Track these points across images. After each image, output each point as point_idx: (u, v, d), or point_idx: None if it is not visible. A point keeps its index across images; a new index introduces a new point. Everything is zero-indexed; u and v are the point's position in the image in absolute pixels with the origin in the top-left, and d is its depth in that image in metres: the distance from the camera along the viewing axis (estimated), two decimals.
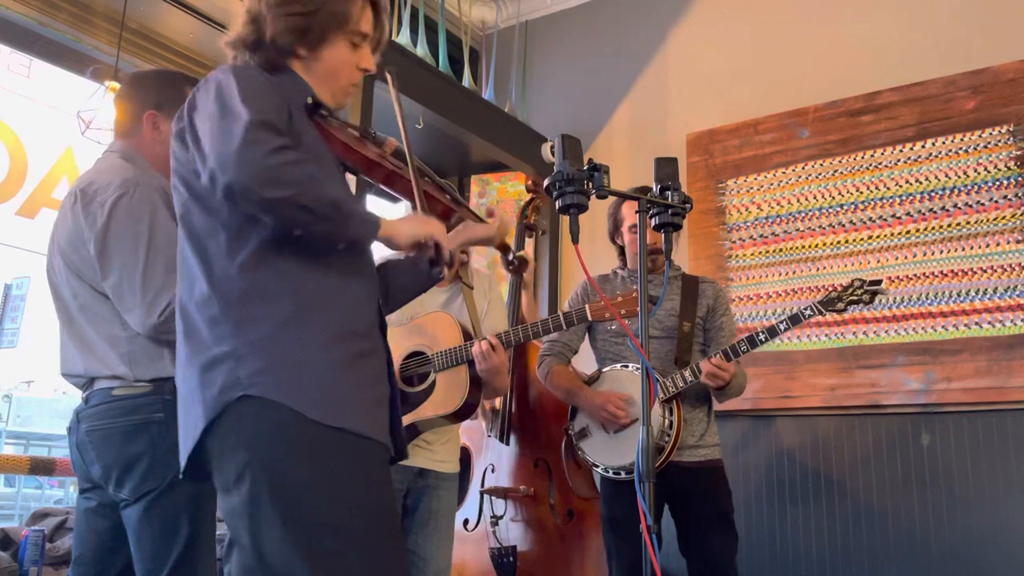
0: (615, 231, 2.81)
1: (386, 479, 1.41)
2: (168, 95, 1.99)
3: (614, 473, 2.55)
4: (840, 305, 2.47)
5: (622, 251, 2.83)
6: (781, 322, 2.47)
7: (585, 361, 2.89)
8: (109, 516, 1.89)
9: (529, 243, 2.74)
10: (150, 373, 1.84)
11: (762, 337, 2.46)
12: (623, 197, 2.15)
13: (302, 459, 1.30)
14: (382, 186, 1.61)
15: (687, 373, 2.51)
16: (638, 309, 1.81)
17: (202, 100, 1.39)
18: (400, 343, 2.38)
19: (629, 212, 2.73)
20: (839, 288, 2.50)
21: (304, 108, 1.51)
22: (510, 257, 2.01)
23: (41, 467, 3.15)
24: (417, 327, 2.43)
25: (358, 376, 1.40)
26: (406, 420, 2.31)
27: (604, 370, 2.68)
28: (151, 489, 1.80)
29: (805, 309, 2.47)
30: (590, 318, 2.36)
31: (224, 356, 1.34)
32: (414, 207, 1.57)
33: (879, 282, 2.48)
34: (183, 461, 1.40)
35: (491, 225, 1.74)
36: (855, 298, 2.46)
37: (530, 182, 2.73)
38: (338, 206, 1.34)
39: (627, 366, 2.63)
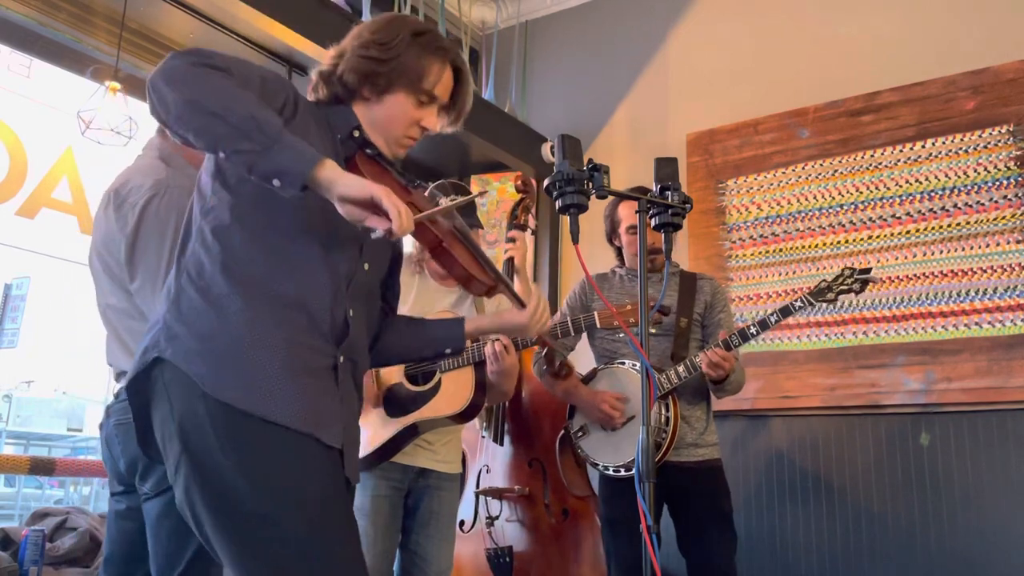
0: (612, 233, 2.81)
1: (322, 471, 1.36)
2: None
3: (614, 471, 2.55)
4: (830, 295, 2.45)
5: (619, 252, 2.83)
6: (772, 314, 2.45)
7: (584, 360, 2.89)
8: (137, 519, 1.90)
9: (528, 241, 2.72)
10: None
11: (753, 330, 2.45)
12: (623, 197, 2.14)
13: (230, 449, 1.29)
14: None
15: (682, 368, 2.51)
16: (641, 304, 1.80)
17: None
18: None
19: (627, 213, 2.73)
20: (828, 278, 2.48)
21: (347, 138, 1.52)
22: (545, 352, 1.91)
23: (41, 467, 3.15)
24: None
25: (288, 365, 1.35)
26: (409, 419, 2.31)
27: (601, 368, 2.68)
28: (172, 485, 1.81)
29: (796, 301, 2.46)
30: (599, 325, 2.36)
31: (158, 320, 1.38)
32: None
33: (869, 270, 2.47)
34: (136, 431, 1.43)
35: (526, 313, 1.64)
36: (845, 287, 2.45)
37: (520, 182, 2.70)
38: (259, 125, 1.23)
39: (624, 363, 2.63)
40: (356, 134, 1.53)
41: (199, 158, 1.94)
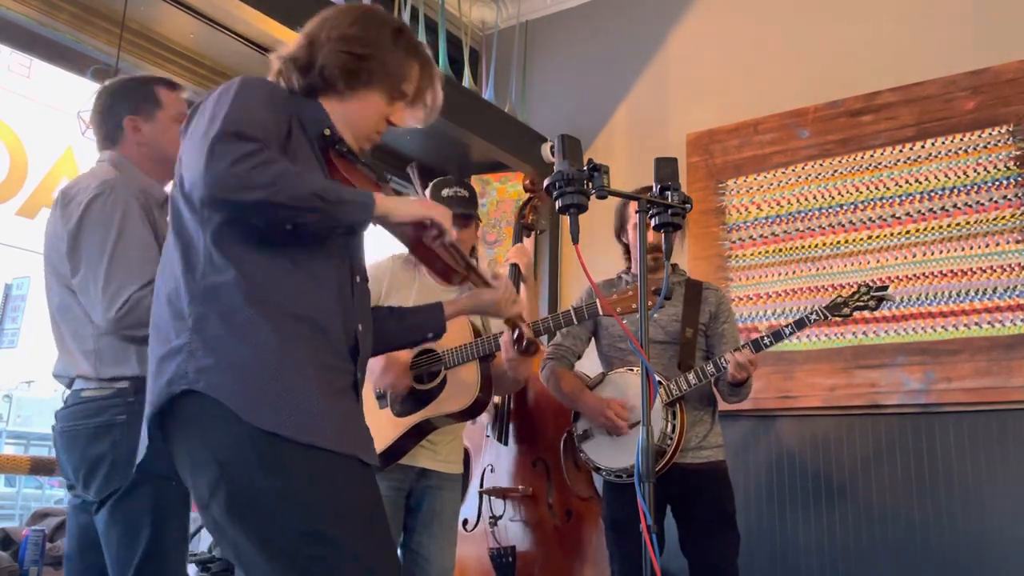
0: (621, 229, 2.81)
1: (366, 487, 1.39)
2: (139, 97, 2.06)
3: (615, 476, 2.55)
4: (846, 311, 2.48)
5: (627, 249, 2.83)
6: (786, 326, 2.47)
7: (591, 367, 2.89)
8: (92, 512, 1.91)
9: (528, 242, 2.73)
10: (114, 372, 1.87)
11: (767, 341, 2.47)
12: (623, 197, 2.15)
13: (274, 473, 1.29)
14: (383, 227, 1.60)
15: (691, 376, 2.51)
16: (641, 304, 1.80)
17: (208, 103, 1.41)
18: None
19: (633, 212, 2.74)
20: (845, 293, 2.50)
21: (318, 138, 1.52)
22: (516, 335, 1.97)
23: (41, 467, 3.15)
24: None
25: (320, 388, 1.36)
26: (418, 417, 2.31)
27: (608, 373, 2.68)
28: (114, 491, 1.82)
29: (810, 314, 2.48)
30: (601, 312, 2.38)
31: (179, 349, 1.34)
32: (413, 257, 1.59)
33: (885, 288, 2.49)
34: (140, 452, 1.41)
35: (496, 292, 1.76)
36: (861, 304, 2.47)
37: (528, 181, 2.71)
38: (321, 196, 1.34)
39: (632, 369, 2.63)
40: (327, 133, 1.53)
41: (147, 159, 2.01)
